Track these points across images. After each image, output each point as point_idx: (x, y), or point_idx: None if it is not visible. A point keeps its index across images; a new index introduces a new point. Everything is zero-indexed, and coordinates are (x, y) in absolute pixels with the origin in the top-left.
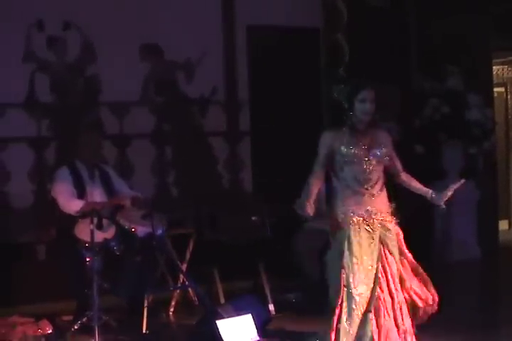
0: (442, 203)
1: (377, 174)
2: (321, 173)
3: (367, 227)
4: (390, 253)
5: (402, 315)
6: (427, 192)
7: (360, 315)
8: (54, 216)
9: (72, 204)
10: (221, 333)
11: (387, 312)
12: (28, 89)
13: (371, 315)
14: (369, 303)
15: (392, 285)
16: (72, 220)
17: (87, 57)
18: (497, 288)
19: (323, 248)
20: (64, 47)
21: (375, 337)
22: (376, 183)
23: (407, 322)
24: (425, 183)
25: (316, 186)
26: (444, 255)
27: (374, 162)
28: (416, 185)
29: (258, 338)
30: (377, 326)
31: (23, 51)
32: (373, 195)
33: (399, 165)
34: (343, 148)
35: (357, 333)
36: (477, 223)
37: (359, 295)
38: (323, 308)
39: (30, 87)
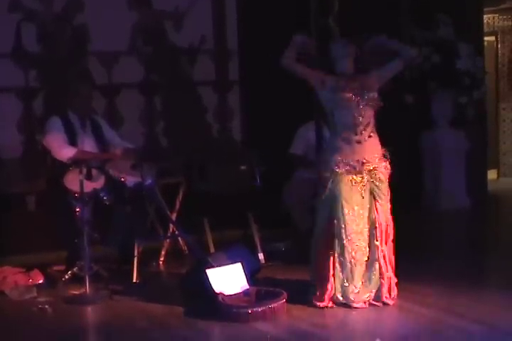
0: None
1: (366, 119)
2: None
3: (357, 178)
4: (380, 204)
5: (385, 263)
6: None
7: (357, 265)
8: (44, 166)
9: (65, 151)
10: (211, 282)
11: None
12: (15, 39)
13: (376, 264)
14: (369, 252)
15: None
16: (61, 171)
17: (74, 6)
18: (485, 238)
19: (312, 197)
20: None
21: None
22: (365, 129)
23: (389, 270)
24: (414, 133)
25: None
26: (434, 205)
27: (363, 106)
28: None
29: (248, 287)
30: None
31: (8, 0)
32: (362, 142)
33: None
34: (330, 93)
35: (356, 281)
36: (466, 173)
37: (352, 244)
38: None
39: (17, 36)
